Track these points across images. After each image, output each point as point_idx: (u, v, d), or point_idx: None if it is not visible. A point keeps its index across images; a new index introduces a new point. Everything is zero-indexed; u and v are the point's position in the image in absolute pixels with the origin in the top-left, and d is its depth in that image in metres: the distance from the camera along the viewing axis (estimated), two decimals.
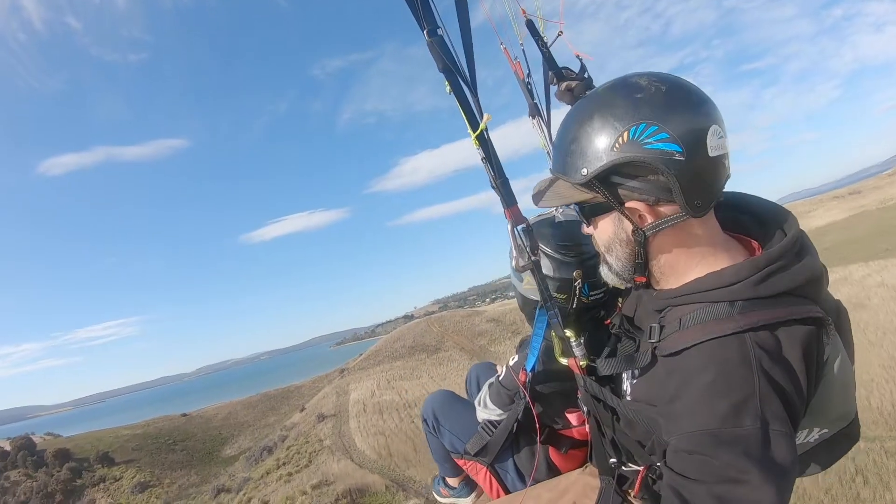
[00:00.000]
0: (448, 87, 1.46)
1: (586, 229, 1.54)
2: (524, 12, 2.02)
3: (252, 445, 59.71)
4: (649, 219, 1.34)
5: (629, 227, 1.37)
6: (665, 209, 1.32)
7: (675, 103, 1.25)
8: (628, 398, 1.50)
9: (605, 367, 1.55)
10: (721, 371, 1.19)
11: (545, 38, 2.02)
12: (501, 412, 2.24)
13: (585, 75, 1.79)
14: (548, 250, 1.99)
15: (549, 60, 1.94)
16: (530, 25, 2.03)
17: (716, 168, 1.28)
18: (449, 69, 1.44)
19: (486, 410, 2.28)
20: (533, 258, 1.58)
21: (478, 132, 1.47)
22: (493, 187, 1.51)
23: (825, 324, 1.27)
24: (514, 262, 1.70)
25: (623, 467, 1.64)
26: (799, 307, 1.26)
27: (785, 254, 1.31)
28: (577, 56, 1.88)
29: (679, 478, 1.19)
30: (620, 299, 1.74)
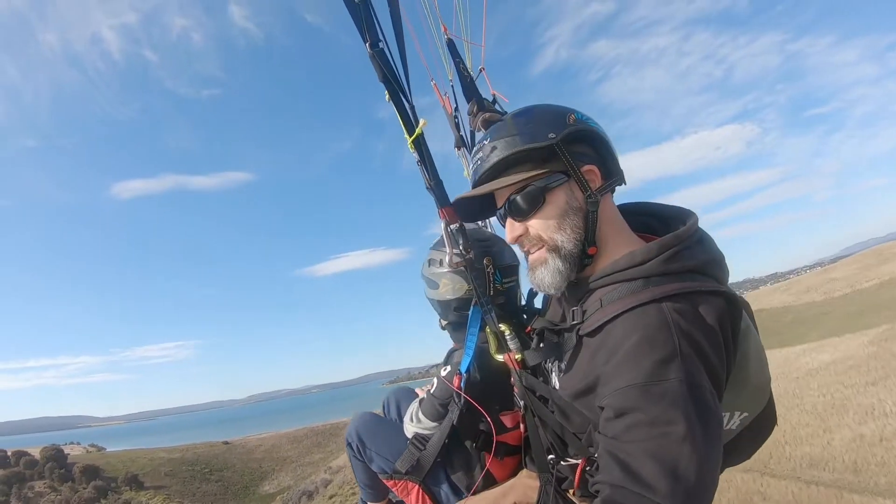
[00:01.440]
0: (387, 96, 1.62)
1: (516, 226, 1.58)
2: (445, 30, 2.17)
3: (292, 485, 53.97)
4: (597, 183, 1.51)
5: (580, 194, 1.51)
6: (602, 178, 1.52)
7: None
8: (559, 391, 1.57)
9: (532, 357, 1.69)
10: (643, 335, 1.28)
11: (468, 65, 2.22)
12: (435, 424, 2.22)
13: (504, 113, 2.00)
14: (437, 255, 2.30)
15: (470, 87, 2.16)
16: (451, 46, 2.20)
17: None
18: (388, 80, 1.60)
19: (419, 425, 2.26)
20: (466, 255, 1.73)
21: (414, 136, 1.64)
22: (428, 188, 1.68)
23: (735, 298, 1.38)
24: (448, 259, 1.74)
25: (561, 462, 1.66)
26: (707, 281, 1.40)
27: (689, 237, 1.45)
28: (494, 94, 2.14)
29: (613, 441, 1.25)
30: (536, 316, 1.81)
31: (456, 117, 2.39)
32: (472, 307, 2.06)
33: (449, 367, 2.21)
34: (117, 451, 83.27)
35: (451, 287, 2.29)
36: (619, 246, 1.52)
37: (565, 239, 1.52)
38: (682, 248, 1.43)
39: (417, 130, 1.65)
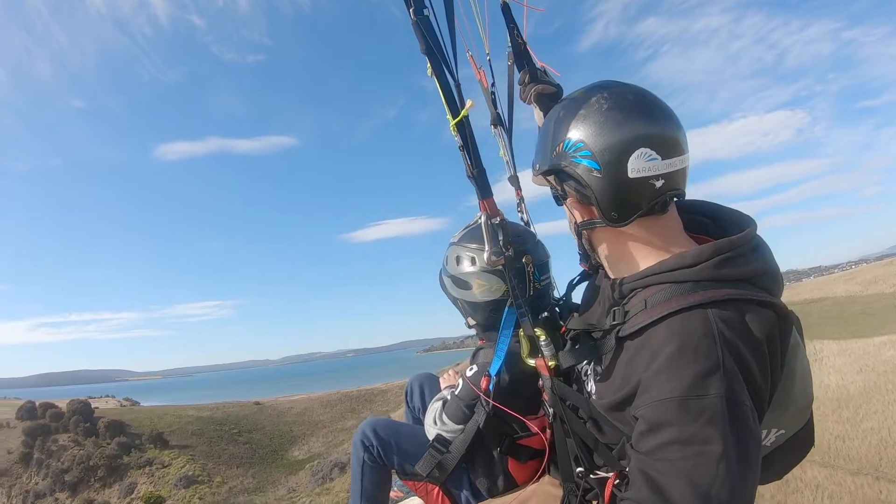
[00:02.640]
0: (430, 70, 1.48)
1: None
2: None
3: (323, 451, 50.85)
4: (583, 216, 1.51)
5: (572, 219, 1.56)
6: (596, 211, 1.44)
7: (609, 123, 1.37)
8: (594, 398, 1.51)
9: (566, 359, 1.57)
10: (685, 342, 1.23)
11: (523, 32, 2.02)
12: (459, 427, 2.16)
13: (558, 85, 1.96)
14: (468, 252, 2.23)
15: (525, 55, 2.00)
16: (506, 10, 1.99)
17: (636, 188, 1.37)
18: (433, 52, 1.46)
19: (443, 427, 2.20)
20: (506, 252, 1.63)
21: (458, 119, 1.49)
22: (469, 177, 1.54)
23: (787, 313, 1.34)
24: (486, 257, 1.67)
25: (591, 475, 1.60)
26: (758, 292, 1.33)
27: (743, 244, 1.38)
28: (542, 66, 2.03)
29: (645, 457, 1.21)
30: (575, 314, 1.78)
31: (493, 93, 2.15)
32: (506, 308, 1.94)
33: (476, 368, 2.13)
34: (149, 406, 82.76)
35: (488, 288, 2.19)
36: (646, 259, 1.46)
37: (577, 242, 1.64)
38: (736, 254, 1.36)
39: (463, 112, 1.50)
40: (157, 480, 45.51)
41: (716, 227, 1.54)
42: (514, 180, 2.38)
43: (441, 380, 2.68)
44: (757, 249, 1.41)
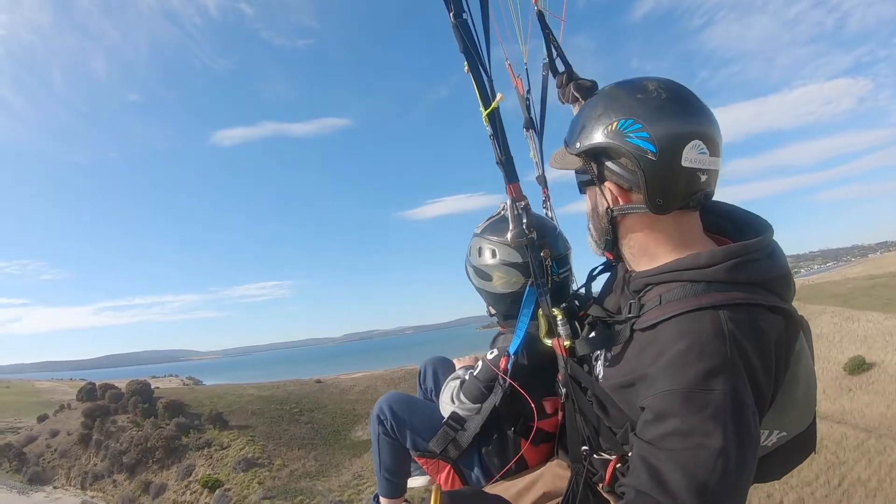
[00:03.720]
0: (466, 67, 1.64)
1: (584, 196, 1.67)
2: (536, 1, 2.11)
3: None
4: (620, 201, 1.49)
5: (605, 203, 1.53)
6: (636, 197, 1.46)
7: (668, 111, 1.39)
8: (601, 380, 1.57)
9: (582, 346, 1.65)
10: (695, 340, 1.27)
11: (557, 37, 2.16)
12: (476, 406, 2.20)
13: (593, 81, 1.98)
14: (490, 244, 2.27)
15: (562, 58, 2.10)
16: (541, 18, 2.14)
17: (686, 177, 1.39)
18: (469, 51, 1.62)
19: (460, 405, 2.23)
20: (529, 235, 1.76)
21: (489, 110, 1.66)
22: (498, 163, 1.70)
23: (795, 318, 1.37)
24: (509, 236, 1.80)
25: (594, 455, 1.67)
26: (770, 296, 1.37)
27: (759, 249, 1.41)
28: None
29: (647, 445, 1.26)
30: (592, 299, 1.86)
31: (527, 99, 2.44)
32: (527, 287, 2.07)
33: (496, 351, 2.17)
34: (209, 385, 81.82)
35: (507, 281, 2.25)
36: (667, 255, 1.50)
37: (592, 230, 1.65)
38: (750, 259, 1.39)
39: (494, 104, 1.66)
40: (215, 463, 43.39)
41: (734, 229, 1.57)
42: (542, 179, 2.65)
43: (456, 361, 2.70)
44: (772, 255, 1.44)
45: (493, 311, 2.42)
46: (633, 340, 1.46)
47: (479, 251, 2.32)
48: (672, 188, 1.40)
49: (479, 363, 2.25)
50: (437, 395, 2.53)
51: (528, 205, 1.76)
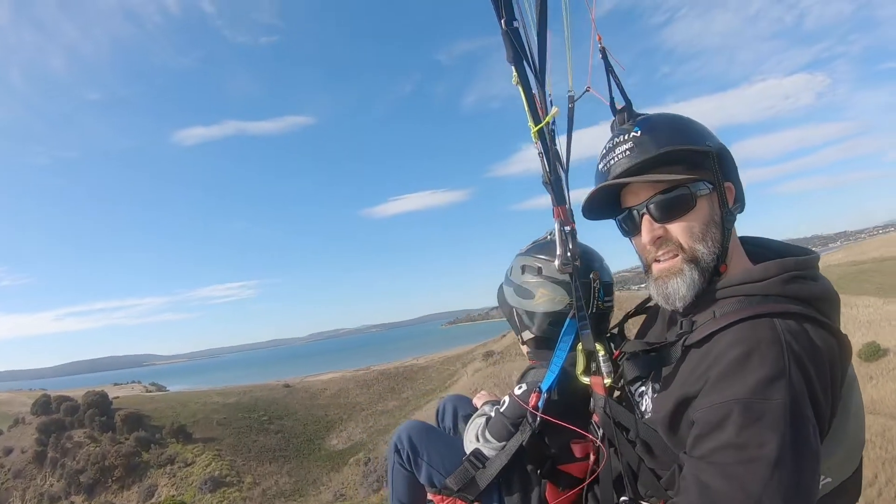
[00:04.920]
0: (515, 78, 1.57)
1: (658, 227, 1.51)
2: (600, 38, 2.01)
3: (366, 440, 45.69)
4: (730, 203, 1.50)
5: (720, 209, 1.48)
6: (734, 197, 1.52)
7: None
8: (649, 415, 1.51)
9: (630, 369, 1.56)
10: (753, 347, 1.24)
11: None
12: (501, 444, 2.08)
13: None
14: (534, 262, 2.18)
15: (623, 94, 1.96)
16: (604, 54, 2.03)
17: None
18: (519, 60, 1.56)
19: (485, 444, 2.11)
20: (574, 262, 1.70)
21: (540, 126, 1.60)
22: (545, 183, 1.65)
23: (848, 344, 1.34)
24: (557, 263, 1.74)
25: None
26: (821, 315, 1.34)
27: (810, 266, 1.43)
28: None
29: (697, 462, 1.23)
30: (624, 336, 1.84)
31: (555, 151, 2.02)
32: (567, 320, 1.92)
33: (525, 386, 2.05)
34: (174, 391, 79.24)
35: (551, 299, 2.13)
36: (737, 267, 1.50)
37: (706, 251, 1.47)
38: (802, 274, 1.40)
39: (547, 119, 1.61)
40: (179, 482, 40.75)
41: (774, 255, 1.52)
42: (569, 213, 2.35)
43: (475, 400, 2.52)
44: (819, 279, 1.44)
45: (527, 337, 2.26)
46: (685, 359, 1.40)
47: (523, 269, 2.24)
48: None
49: (507, 399, 2.12)
50: (455, 434, 2.51)
51: (574, 230, 1.71)
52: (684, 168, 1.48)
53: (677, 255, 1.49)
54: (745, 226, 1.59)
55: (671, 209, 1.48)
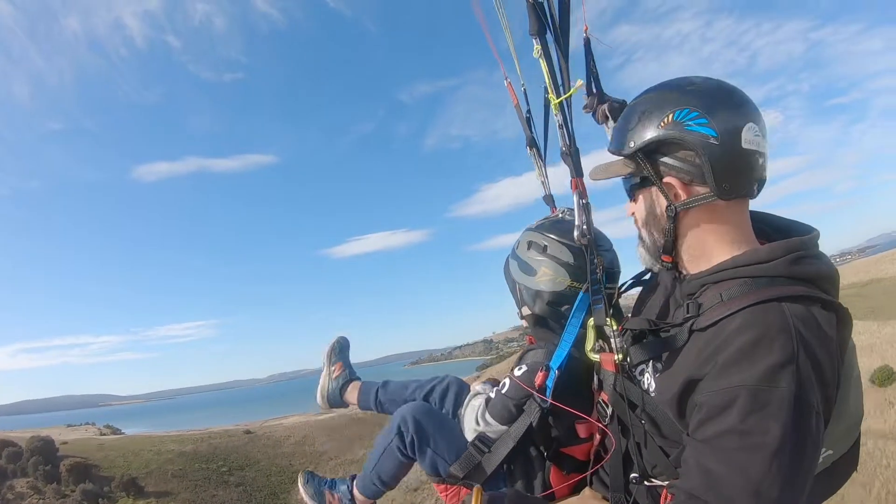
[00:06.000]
0: (536, 51, 1.63)
1: (628, 206, 1.67)
2: (587, 29, 2.13)
3: None
4: (682, 196, 1.48)
5: (664, 202, 1.51)
6: (697, 189, 1.46)
7: (720, 97, 1.44)
8: (653, 394, 1.53)
9: (637, 353, 1.57)
10: (762, 334, 1.25)
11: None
12: (503, 428, 2.05)
13: (624, 102, 2.06)
14: (567, 240, 2.09)
15: (597, 81, 2.16)
16: (587, 44, 2.15)
17: (747, 159, 1.42)
18: (543, 31, 1.61)
19: (486, 427, 2.08)
20: (588, 236, 1.71)
21: (564, 97, 1.66)
22: (564, 154, 1.69)
23: (848, 316, 1.38)
24: (575, 233, 1.74)
25: (645, 482, 1.59)
26: (825, 294, 1.37)
27: (813, 245, 1.46)
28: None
29: (701, 445, 1.25)
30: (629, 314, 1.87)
31: (528, 117, 2.44)
32: (580, 294, 1.96)
33: (525, 367, 2.05)
34: (129, 434, 75.70)
35: (552, 278, 2.14)
36: (723, 254, 1.49)
37: (645, 236, 1.62)
38: (807, 254, 1.42)
39: (572, 91, 1.66)
40: None
41: (776, 232, 1.57)
42: (550, 199, 2.66)
43: (473, 386, 2.46)
44: (821, 256, 1.46)
45: (525, 313, 2.26)
46: (691, 342, 1.41)
47: (529, 244, 2.24)
48: (736, 171, 1.41)
49: (507, 380, 2.09)
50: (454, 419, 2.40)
51: (589, 204, 1.72)
52: (626, 162, 1.56)
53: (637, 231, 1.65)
54: None
55: (627, 195, 1.66)
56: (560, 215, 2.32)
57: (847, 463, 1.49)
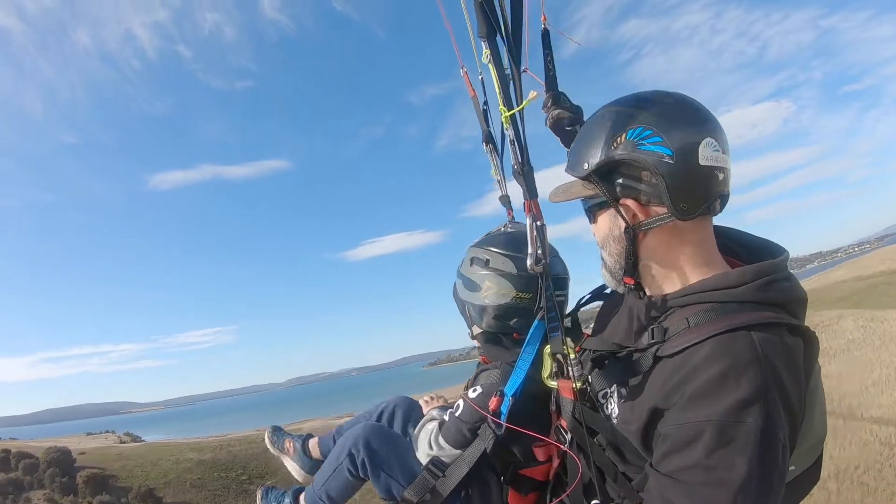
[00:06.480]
0: (486, 55, 1.44)
1: (591, 226, 1.61)
2: (545, 19, 2.01)
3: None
4: (640, 217, 1.43)
5: (622, 224, 1.46)
6: (656, 209, 1.41)
7: (675, 114, 1.39)
8: (617, 421, 1.48)
9: (599, 381, 1.52)
10: (730, 365, 1.22)
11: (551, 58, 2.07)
12: (457, 452, 2.00)
13: (577, 110, 1.97)
14: (509, 251, 2.09)
15: (552, 80, 2.02)
16: (545, 37, 2.04)
17: (706, 176, 1.37)
18: (493, 34, 1.42)
19: (439, 451, 2.04)
20: (543, 261, 1.51)
21: (514, 111, 1.44)
22: (517, 174, 1.47)
23: (814, 339, 1.36)
24: (528, 262, 1.54)
25: None
26: (794, 319, 1.35)
27: (783, 269, 1.41)
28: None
29: (665, 479, 1.24)
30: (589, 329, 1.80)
31: (485, 111, 2.33)
32: (535, 321, 1.85)
33: (479, 389, 1.99)
34: (148, 442, 75.40)
35: (496, 291, 2.10)
36: (688, 276, 1.45)
37: (606, 258, 1.57)
38: (777, 278, 1.38)
39: (524, 103, 1.46)
40: None
41: (746, 253, 1.54)
42: (506, 200, 2.56)
43: (423, 403, 2.46)
44: (791, 279, 1.42)
45: (476, 332, 2.21)
46: (656, 369, 1.36)
47: (472, 260, 2.20)
48: (694, 190, 1.36)
49: (461, 403, 2.03)
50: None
51: (544, 226, 1.50)
52: (585, 184, 1.50)
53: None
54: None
55: (586, 212, 1.60)
56: (502, 229, 2.26)
57: (809, 477, 1.47)
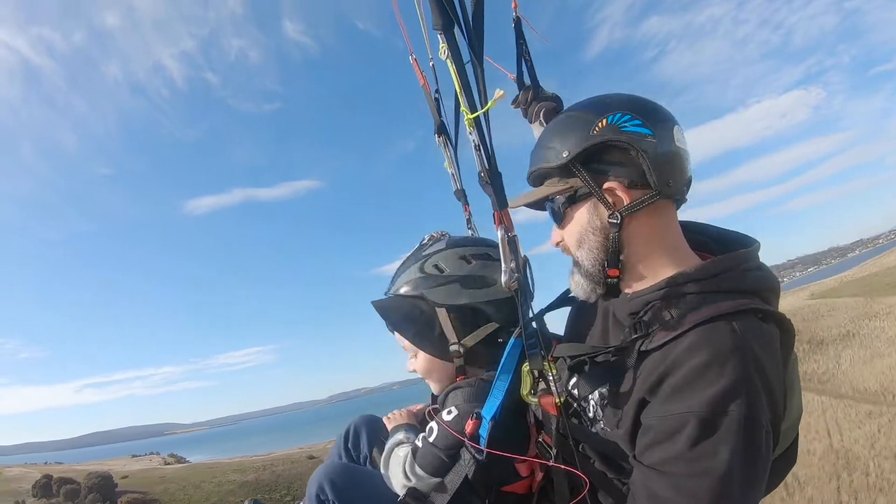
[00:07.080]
0: (443, 51, 1.25)
1: (555, 232, 1.55)
2: (516, 6, 1.94)
3: None
4: (625, 199, 1.38)
5: (604, 212, 1.41)
6: (639, 192, 1.37)
7: (644, 104, 1.41)
8: (602, 425, 1.45)
9: (583, 386, 1.50)
10: (712, 355, 1.20)
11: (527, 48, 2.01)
12: (437, 480, 1.81)
13: (559, 102, 1.93)
14: (473, 250, 1.95)
15: (531, 71, 2.00)
16: (518, 26, 1.98)
17: (682, 157, 1.40)
18: (450, 26, 1.23)
19: (417, 481, 1.82)
20: (517, 274, 1.36)
21: (478, 113, 1.25)
22: (483, 183, 1.32)
23: (790, 326, 1.36)
24: (503, 279, 1.39)
25: None
26: (769, 306, 1.34)
27: (755, 258, 1.42)
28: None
29: (648, 471, 1.23)
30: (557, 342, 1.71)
31: (437, 100, 2.18)
32: (511, 339, 1.67)
33: (454, 411, 1.80)
34: (193, 462, 74.25)
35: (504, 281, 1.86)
36: (666, 266, 1.41)
37: (584, 257, 1.47)
38: (752, 266, 1.39)
39: (490, 104, 1.25)
40: None
41: (717, 245, 1.52)
42: (462, 195, 2.37)
43: (386, 420, 2.20)
44: (763, 266, 1.43)
45: (458, 350, 1.93)
46: (640, 364, 1.33)
47: (463, 258, 1.97)
48: (675, 169, 1.38)
49: (434, 426, 1.85)
50: (371, 465, 2.23)
51: (517, 237, 1.35)
52: (557, 179, 1.46)
53: (571, 257, 1.52)
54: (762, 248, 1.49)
55: (555, 218, 1.52)
56: (426, 241, 2.05)
57: (786, 460, 1.45)
